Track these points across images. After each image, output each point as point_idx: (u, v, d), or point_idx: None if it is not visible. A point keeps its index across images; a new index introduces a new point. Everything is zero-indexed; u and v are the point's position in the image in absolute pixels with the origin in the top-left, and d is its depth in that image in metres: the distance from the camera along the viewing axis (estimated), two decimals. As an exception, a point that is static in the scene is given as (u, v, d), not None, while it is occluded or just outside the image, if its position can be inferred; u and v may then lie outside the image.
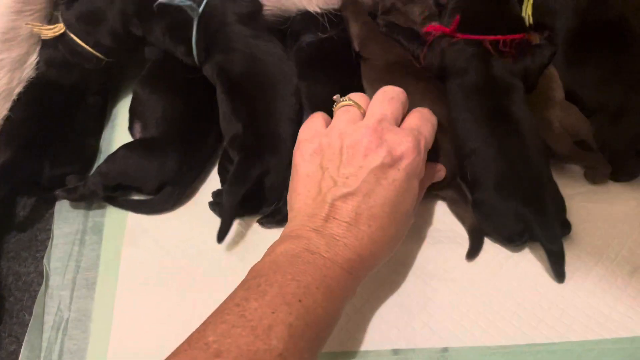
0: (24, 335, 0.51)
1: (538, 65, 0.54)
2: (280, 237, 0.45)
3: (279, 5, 0.59)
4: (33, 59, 0.59)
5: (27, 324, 0.51)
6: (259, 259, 0.54)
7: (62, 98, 0.60)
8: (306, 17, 0.60)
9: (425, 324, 0.49)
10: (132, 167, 0.55)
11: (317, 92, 0.57)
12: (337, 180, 0.44)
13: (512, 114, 0.52)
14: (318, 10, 0.58)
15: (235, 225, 0.55)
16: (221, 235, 0.52)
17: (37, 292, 0.54)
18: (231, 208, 0.52)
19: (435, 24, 0.57)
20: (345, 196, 0.44)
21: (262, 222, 0.55)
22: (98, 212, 0.59)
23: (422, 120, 0.49)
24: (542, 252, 0.51)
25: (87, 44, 0.58)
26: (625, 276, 0.51)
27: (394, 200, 0.45)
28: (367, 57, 0.59)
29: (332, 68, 0.59)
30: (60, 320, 0.52)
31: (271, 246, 0.44)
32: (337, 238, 0.43)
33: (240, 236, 0.56)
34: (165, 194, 0.56)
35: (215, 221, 0.54)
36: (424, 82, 0.56)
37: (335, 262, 0.42)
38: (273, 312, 0.37)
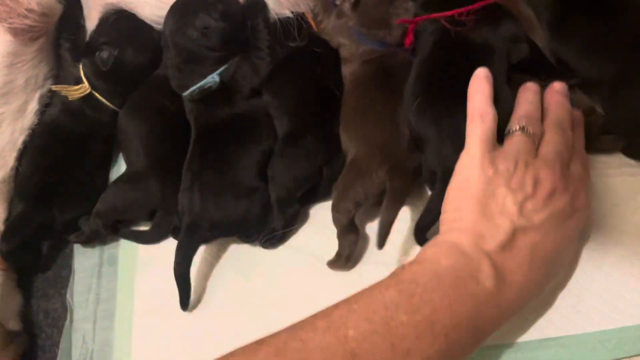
0: (57, 370, 0.54)
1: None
2: (442, 240, 0.41)
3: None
4: (32, 106, 0.61)
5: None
6: (264, 279, 0.54)
7: (68, 144, 0.62)
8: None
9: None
10: (120, 201, 0.58)
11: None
12: (521, 210, 0.40)
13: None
14: (290, 14, 0.57)
15: (239, 246, 0.56)
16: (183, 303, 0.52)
17: (64, 326, 0.57)
18: (182, 274, 0.52)
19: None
20: (526, 229, 0.40)
21: (265, 246, 0.55)
22: (113, 244, 0.61)
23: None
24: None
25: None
26: (650, 253, 0.46)
27: (563, 251, 0.43)
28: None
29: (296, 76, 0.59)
30: (86, 352, 0.54)
31: (432, 248, 0.41)
32: (507, 274, 0.40)
33: (245, 256, 0.56)
34: (157, 219, 0.57)
35: (219, 245, 0.56)
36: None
37: (497, 304, 0.39)
38: (417, 338, 0.35)
